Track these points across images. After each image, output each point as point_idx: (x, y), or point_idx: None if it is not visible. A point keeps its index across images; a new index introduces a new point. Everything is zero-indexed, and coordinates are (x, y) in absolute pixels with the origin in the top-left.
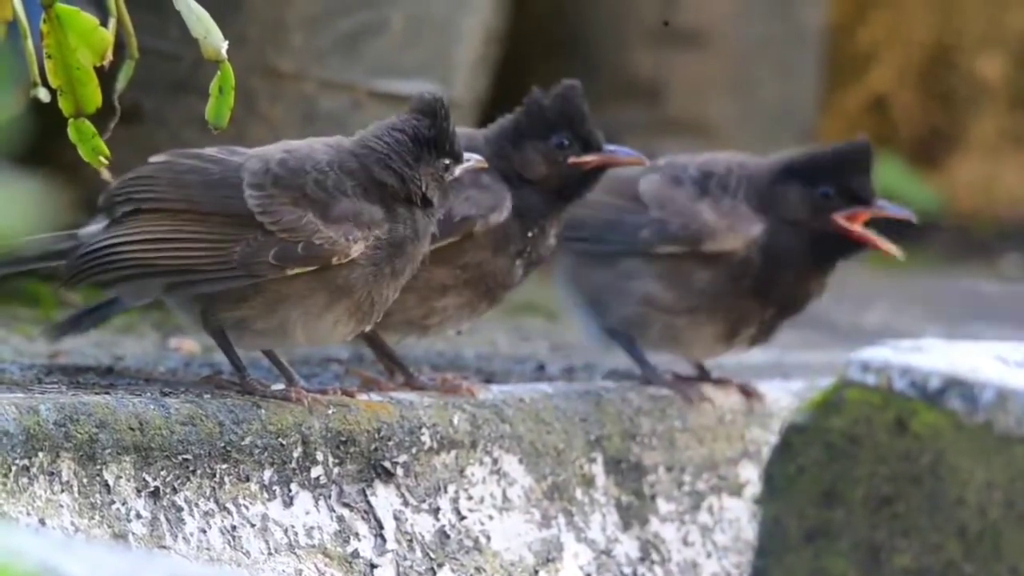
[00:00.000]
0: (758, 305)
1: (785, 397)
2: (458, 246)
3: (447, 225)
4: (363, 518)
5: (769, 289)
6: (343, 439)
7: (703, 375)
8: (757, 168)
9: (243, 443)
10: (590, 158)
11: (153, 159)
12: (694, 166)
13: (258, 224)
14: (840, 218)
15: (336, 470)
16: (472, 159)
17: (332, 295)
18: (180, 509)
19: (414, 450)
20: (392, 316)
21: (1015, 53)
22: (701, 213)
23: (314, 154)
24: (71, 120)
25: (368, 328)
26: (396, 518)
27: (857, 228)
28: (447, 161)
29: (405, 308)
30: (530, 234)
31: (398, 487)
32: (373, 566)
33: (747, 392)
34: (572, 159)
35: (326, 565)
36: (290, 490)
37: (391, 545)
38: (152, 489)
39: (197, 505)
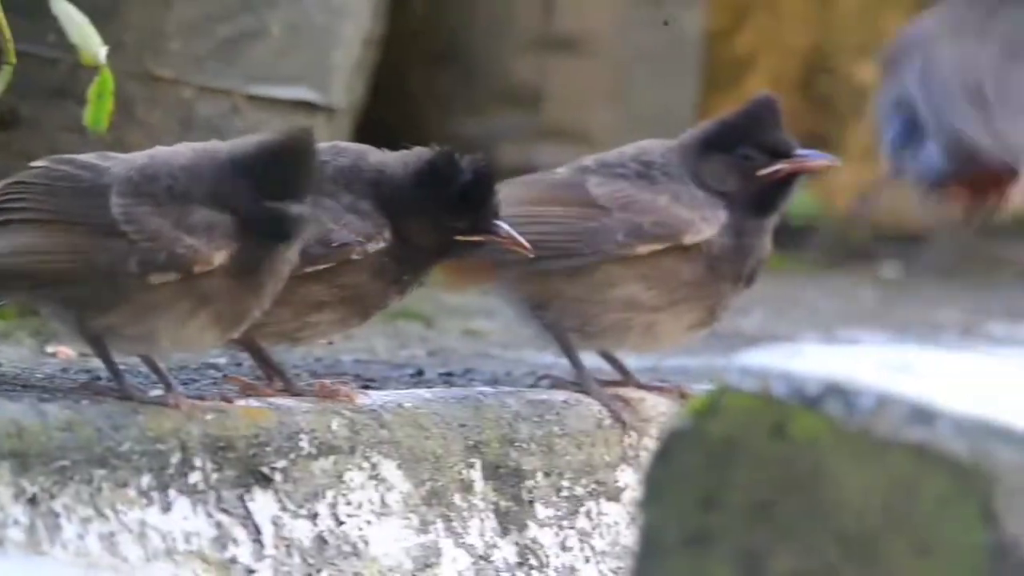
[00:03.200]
0: (733, 285)
1: (663, 402)
2: (336, 267)
3: (325, 249)
4: (241, 524)
5: (745, 265)
6: (221, 445)
7: (627, 378)
8: (683, 149)
9: (121, 449)
10: (479, 238)
11: (32, 165)
12: (628, 157)
13: (122, 233)
14: (764, 171)
15: (214, 476)
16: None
17: (195, 303)
18: (58, 515)
19: (292, 456)
20: (266, 327)
21: None
22: (669, 207)
23: (173, 159)
24: None
25: (236, 336)
26: (274, 524)
27: (784, 166)
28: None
29: (280, 321)
30: (405, 277)
31: (276, 493)
32: (251, 572)
33: (685, 395)
34: (460, 237)
35: (204, 571)
36: (168, 496)
37: (269, 551)
38: (30, 495)
39: (75, 511)
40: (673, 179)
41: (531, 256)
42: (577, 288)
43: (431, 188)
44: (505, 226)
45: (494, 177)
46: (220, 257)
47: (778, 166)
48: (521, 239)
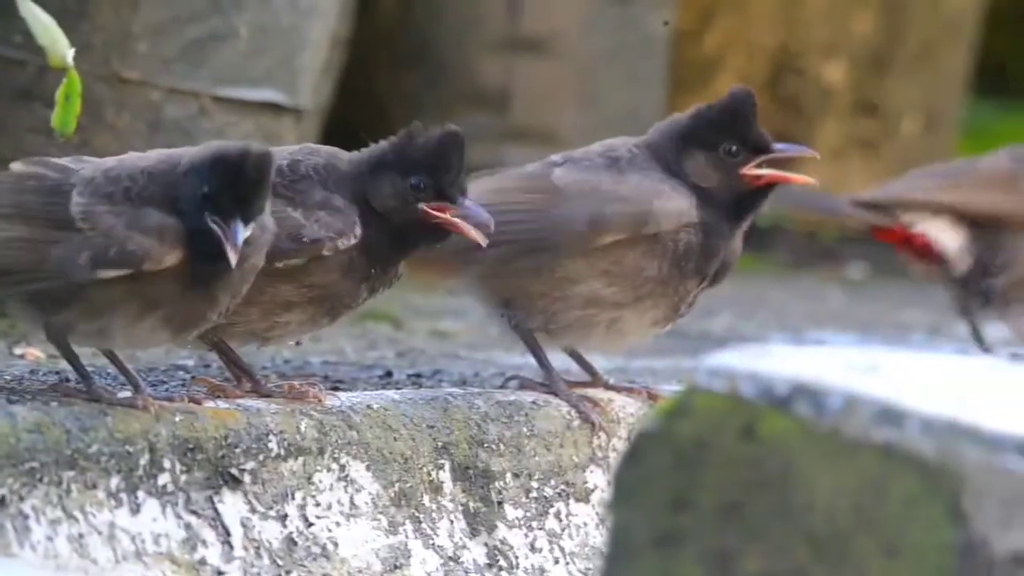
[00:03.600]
0: (699, 281)
1: (632, 403)
2: (306, 265)
3: (296, 245)
4: (210, 525)
5: (709, 264)
6: (190, 446)
7: (596, 379)
8: (656, 143)
9: (90, 451)
10: (440, 215)
11: (11, 166)
12: (595, 153)
13: (77, 229)
14: (748, 171)
15: (183, 477)
16: (251, 228)
17: (145, 304)
18: (27, 517)
19: (261, 457)
20: (235, 327)
21: (858, 59)
22: (632, 195)
23: (139, 163)
24: None
25: (192, 337)
26: (243, 525)
27: (766, 173)
28: (211, 215)
29: (248, 320)
30: (373, 271)
31: (245, 494)
32: (220, 573)
33: (653, 396)
34: (423, 206)
35: (173, 572)
36: (137, 497)
37: (238, 552)
38: None
39: (44, 513)
40: (641, 171)
41: (492, 229)
42: (540, 285)
43: (398, 155)
44: (469, 202)
45: (462, 143)
46: (171, 259)
47: (763, 172)
48: (484, 211)
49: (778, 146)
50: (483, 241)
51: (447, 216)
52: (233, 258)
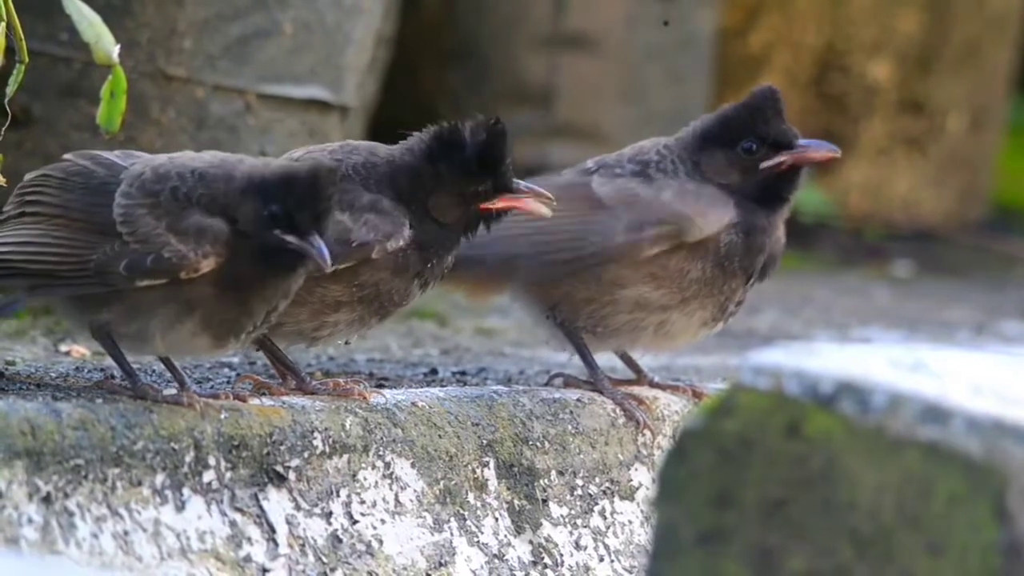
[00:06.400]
0: (745, 279)
1: (677, 401)
2: (355, 265)
3: (345, 249)
4: (255, 522)
5: (754, 260)
6: (235, 444)
7: (641, 377)
8: (682, 145)
9: (135, 448)
10: (498, 203)
11: (64, 158)
12: (626, 159)
13: (117, 233)
14: (767, 164)
15: (228, 475)
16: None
17: (183, 308)
18: (72, 514)
19: (306, 454)
20: (283, 326)
21: (903, 57)
22: (672, 204)
23: (190, 163)
24: None
25: (236, 346)
26: (288, 522)
27: (786, 158)
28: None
29: (297, 320)
30: (429, 265)
31: (290, 491)
32: (265, 570)
33: (698, 394)
34: (483, 205)
35: (218, 570)
36: (182, 495)
37: (283, 549)
38: (44, 494)
39: (89, 510)
40: (671, 175)
41: (554, 204)
42: (586, 290)
43: (447, 161)
44: (523, 183)
45: (507, 134)
46: (208, 264)
47: (781, 158)
48: (543, 190)
49: (801, 142)
50: (549, 213)
51: (508, 202)
52: (327, 266)
